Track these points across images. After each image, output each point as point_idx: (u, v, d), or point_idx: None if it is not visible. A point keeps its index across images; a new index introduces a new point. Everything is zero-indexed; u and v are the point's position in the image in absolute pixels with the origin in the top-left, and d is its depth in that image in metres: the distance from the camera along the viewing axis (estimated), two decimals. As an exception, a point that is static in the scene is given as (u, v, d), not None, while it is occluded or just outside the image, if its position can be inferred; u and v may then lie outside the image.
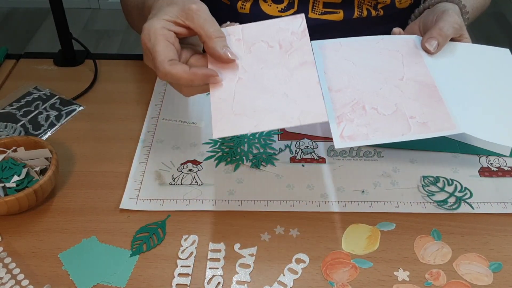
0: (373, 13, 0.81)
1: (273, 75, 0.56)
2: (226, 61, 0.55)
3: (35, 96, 0.79)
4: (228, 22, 0.60)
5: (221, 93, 0.55)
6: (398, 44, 0.63)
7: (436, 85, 0.58)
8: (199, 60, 0.56)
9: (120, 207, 0.62)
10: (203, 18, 0.54)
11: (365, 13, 0.81)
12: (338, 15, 0.81)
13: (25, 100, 0.78)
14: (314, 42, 0.65)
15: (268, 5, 0.80)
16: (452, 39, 0.64)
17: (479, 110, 0.59)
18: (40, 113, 0.76)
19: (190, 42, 0.59)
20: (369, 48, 0.63)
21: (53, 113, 0.76)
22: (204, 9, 0.55)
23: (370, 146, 0.69)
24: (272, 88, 0.55)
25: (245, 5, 0.81)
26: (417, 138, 0.54)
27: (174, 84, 0.56)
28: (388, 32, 0.67)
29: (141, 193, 0.64)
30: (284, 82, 0.55)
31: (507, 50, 0.66)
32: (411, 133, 0.54)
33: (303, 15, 0.59)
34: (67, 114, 0.76)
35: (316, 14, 0.81)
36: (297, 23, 0.58)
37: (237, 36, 0.58)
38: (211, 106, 0.54)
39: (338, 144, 0.53)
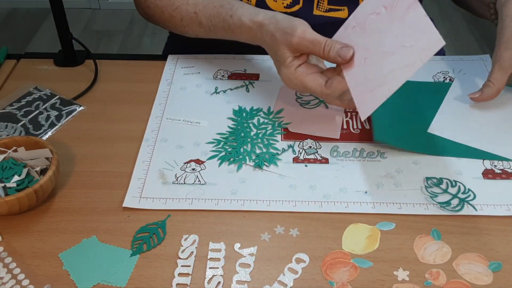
0: None
1: (389, 35, 0.59)
2: (346, 61, 0.62)
3: (36, 96, 0.79)
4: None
5: (355, 79, 0.61)
6: None
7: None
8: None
9: (123, 205, 0.62)
10: (308, 41, 0.62)
11: None
12: (343, 12, 0.81)
13: (26, 100, 0.78)
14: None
15: (274, 0, 0.80)
16: None
17: None
18: (41, 113, 0.76)
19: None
20: None
21: (54, 113, 0.76)
22: (302, 33, 0.62)
23: (372, 146, 0.69)
24: (392, 48, 0.59)
25: (250, 0, 0.81)
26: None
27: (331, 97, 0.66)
28: None
29: (144, 191, 0.64)
30: (399, 34, 0.58)
31: None
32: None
33: None
34: (68, 114, 0.76)
35: (321, 11, 0.81)
36: None
37: (351, 24, 0.63)
38: (352, 94, 0.62)
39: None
